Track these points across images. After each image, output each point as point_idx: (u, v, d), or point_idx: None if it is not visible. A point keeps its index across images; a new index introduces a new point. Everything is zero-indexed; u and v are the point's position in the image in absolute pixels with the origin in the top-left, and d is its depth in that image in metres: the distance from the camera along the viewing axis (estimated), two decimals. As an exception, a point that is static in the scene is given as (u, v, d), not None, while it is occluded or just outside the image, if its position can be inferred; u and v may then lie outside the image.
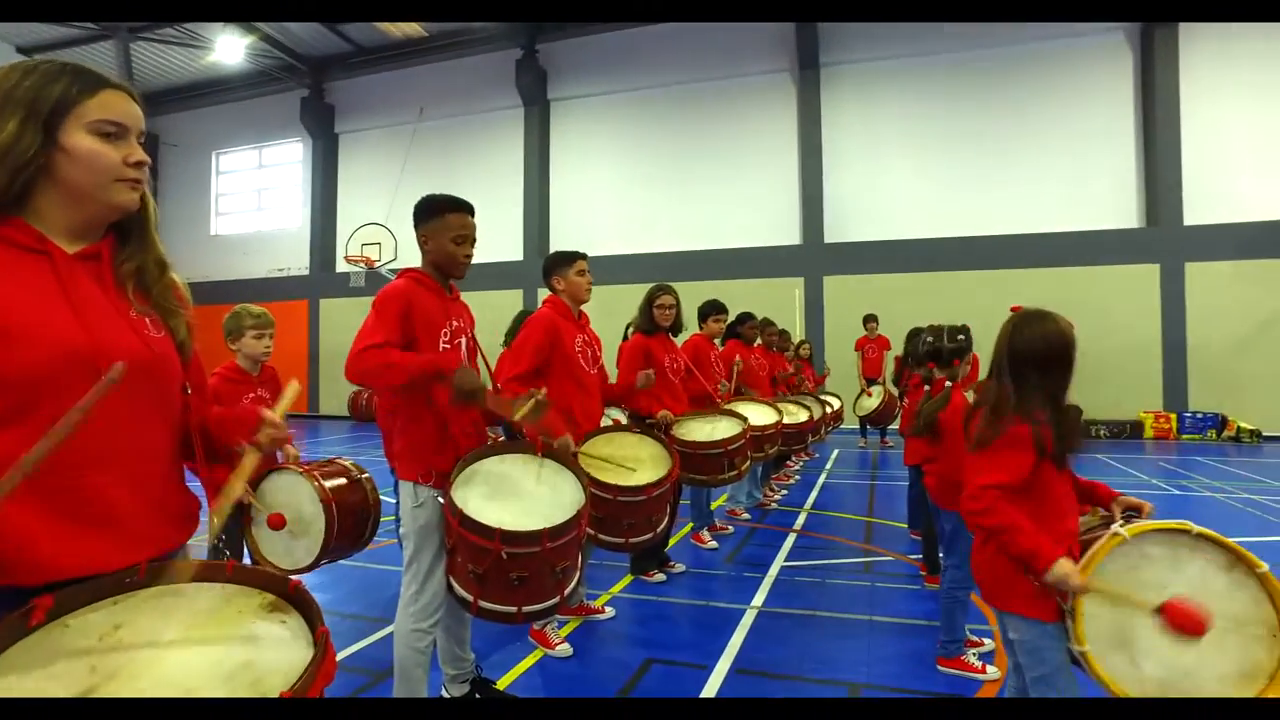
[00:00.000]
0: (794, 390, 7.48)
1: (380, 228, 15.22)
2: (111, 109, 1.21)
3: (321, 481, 3.16)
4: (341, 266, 15.97)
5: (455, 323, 2.50)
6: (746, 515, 6.15)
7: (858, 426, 10.74)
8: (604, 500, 3.12)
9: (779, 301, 12.68)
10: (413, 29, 14.87)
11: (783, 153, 13.45)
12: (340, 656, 3.26)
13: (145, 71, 16.89)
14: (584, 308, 3.58)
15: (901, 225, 12.72)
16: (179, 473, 1.33)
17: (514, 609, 2.25)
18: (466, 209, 2.53)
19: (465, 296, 2.72)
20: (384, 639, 3.45)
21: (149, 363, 1.25)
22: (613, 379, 3.86)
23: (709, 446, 4.16)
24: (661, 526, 3.40)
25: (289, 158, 17.55)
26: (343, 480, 3.30)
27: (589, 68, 14.55)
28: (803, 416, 6.38)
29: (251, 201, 18.11)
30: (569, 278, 3.46)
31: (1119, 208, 11.96)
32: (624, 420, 4.13)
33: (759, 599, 4.13)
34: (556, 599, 2.37)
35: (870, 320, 10.78)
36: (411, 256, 2.64)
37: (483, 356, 2.68)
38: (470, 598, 2.27)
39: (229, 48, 14.56)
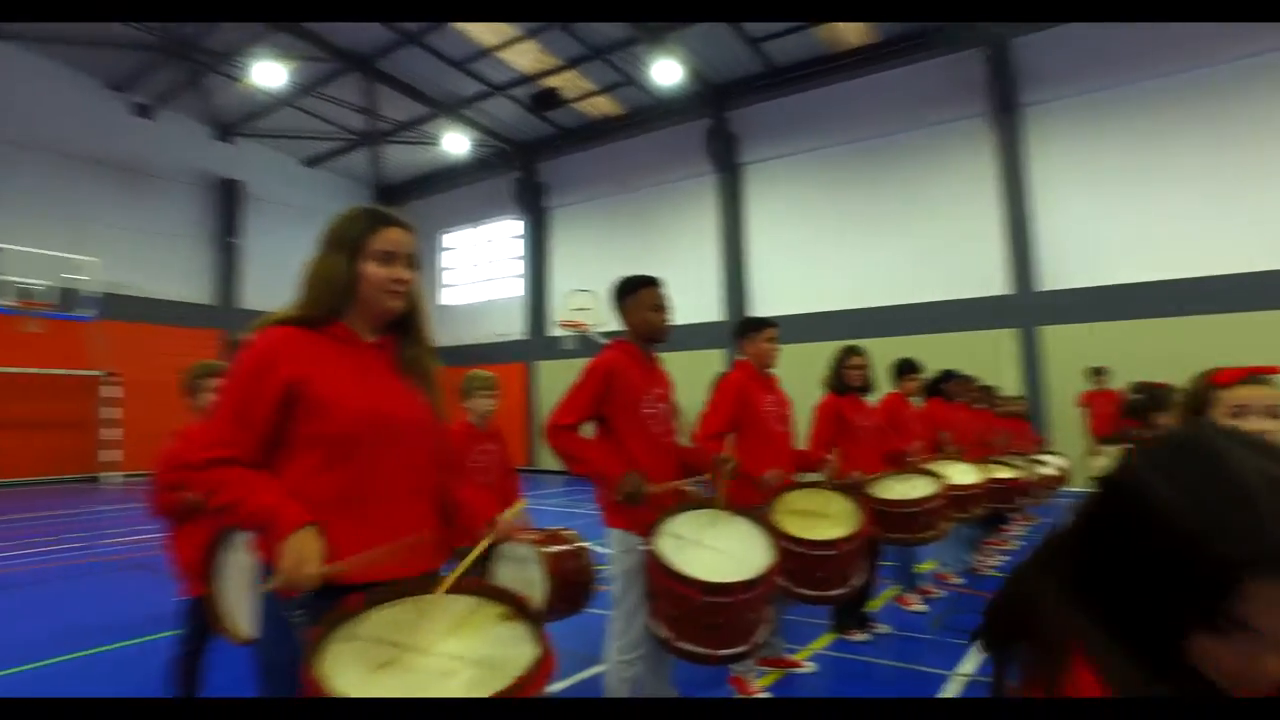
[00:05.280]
0: (1000, 450, 6.96)
1: (589, 293, 16.36)
2: (388, 241, 1.66)
3: (544, 549, 3.52)
4: (554, 331, 17.26)
5: (656, 389, 2.79)
6: (959, 580, 5.85)
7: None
8: (796, 553, 3.22)
9: (988, 355, 11.98)
10: (610, 107, 16.13)
11: (983, 199, 12.77)
12: (563, 685, 3.59)
13: (389, 168, 19.75)
14: (784, 363, 3.76)
15: (1129, 268, 11.51)
16: (438, 510, 1.71)
17: (708, 651, 2.43)
18: (657, 282, 2.85)
19: (668, 356, 3.02)
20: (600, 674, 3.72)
21: (420, 423, 1.68)
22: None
23: (905, 505, 4.11)
24: (856, 582, 3.42)
25: (505, 233, 19.48)
26: (563, 548, 3.58)
27: (778, 130, 14.88)
28: (1008, 474, 5.98)
29: (473, 274, 20.27)
30: (757, 344, 3.66)
31: None
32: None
33: (969, 666, 3.95)
34: (748, 646, 2.51)
35: (1099, 372, 9.82)
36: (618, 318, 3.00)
37: (682, 415, 2.95)
38: (668, 637, 2.48)
39: (455, 142, 16.69)
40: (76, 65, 15.02)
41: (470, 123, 16.69)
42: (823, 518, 3.53)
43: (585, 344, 16.23)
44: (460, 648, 1.44)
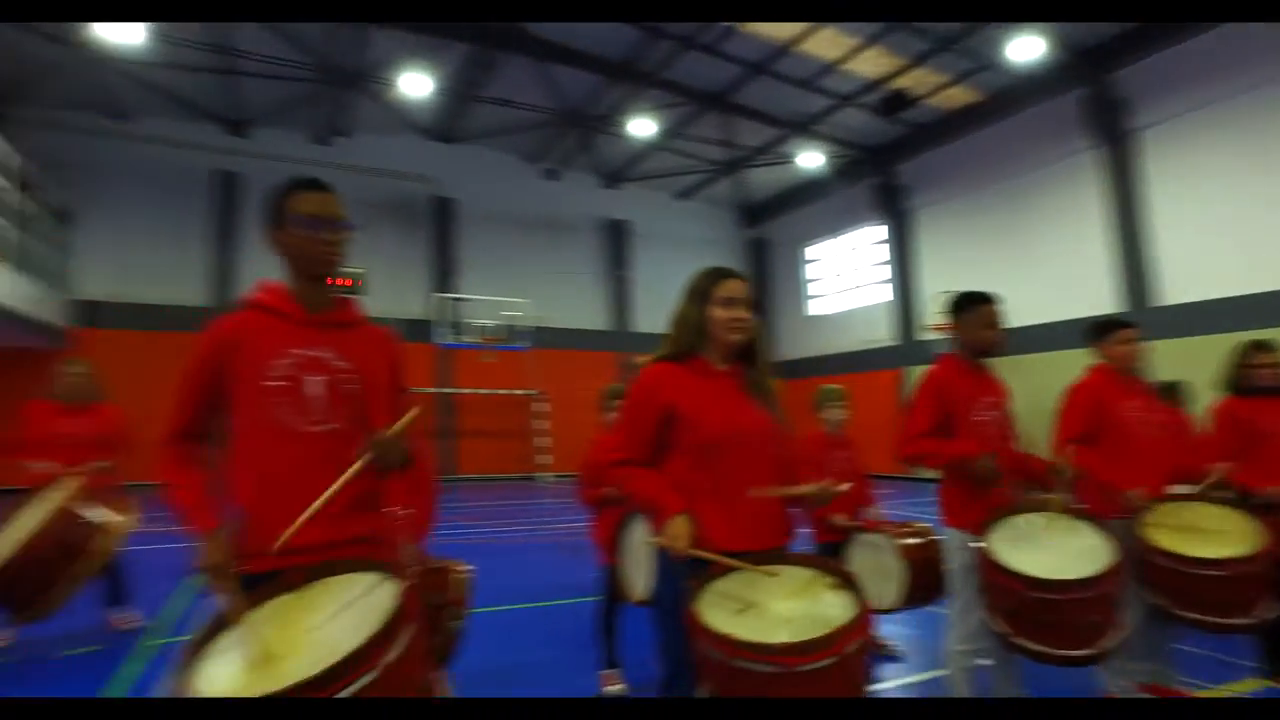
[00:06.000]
0: None
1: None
2: (728, 289, 2.19)
3: (898, 539, 3.83)
4: (926, 335, 16.67)
5: (986, 398, 2.90)
6: None
7: None
8: (1176, 571, 2.99)
9: None
10: (966, 96, 15.14)
11: None
12: (920, 678, 3.83)
13: (751, 190, 21.08)
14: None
15: None
16: (784, 501, 2.19)
17: (1046, 649, 2.49)
18: (992, 299, 2.95)
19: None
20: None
21: (765, 432, 2.19)
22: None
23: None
24: (1264, 614, 3.02)
25: (867, 240, 19.37)
26: (916, 540, 3.88)
27: (1178, 82, 12.43)
28: None
29: (837, 284, 20.52)
30: (1111, 349, 3.44)
31: None
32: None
33: None
34: (1093, 650, 2.49)
35: None
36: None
37: (1019, 425, 2.98)
38: (1003, 632, 2.59)
39: (810, 158, 17.28)
40: (503, 148, 18.91)
41: (822, 137, 17.12)
42: (1216, 534, 3.19)
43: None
44: (795, 605, 1.90)
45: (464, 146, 18.59)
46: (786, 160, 18.05)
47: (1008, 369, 3.09)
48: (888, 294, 18.44)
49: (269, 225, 1.87)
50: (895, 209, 17.99)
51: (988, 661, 2.83)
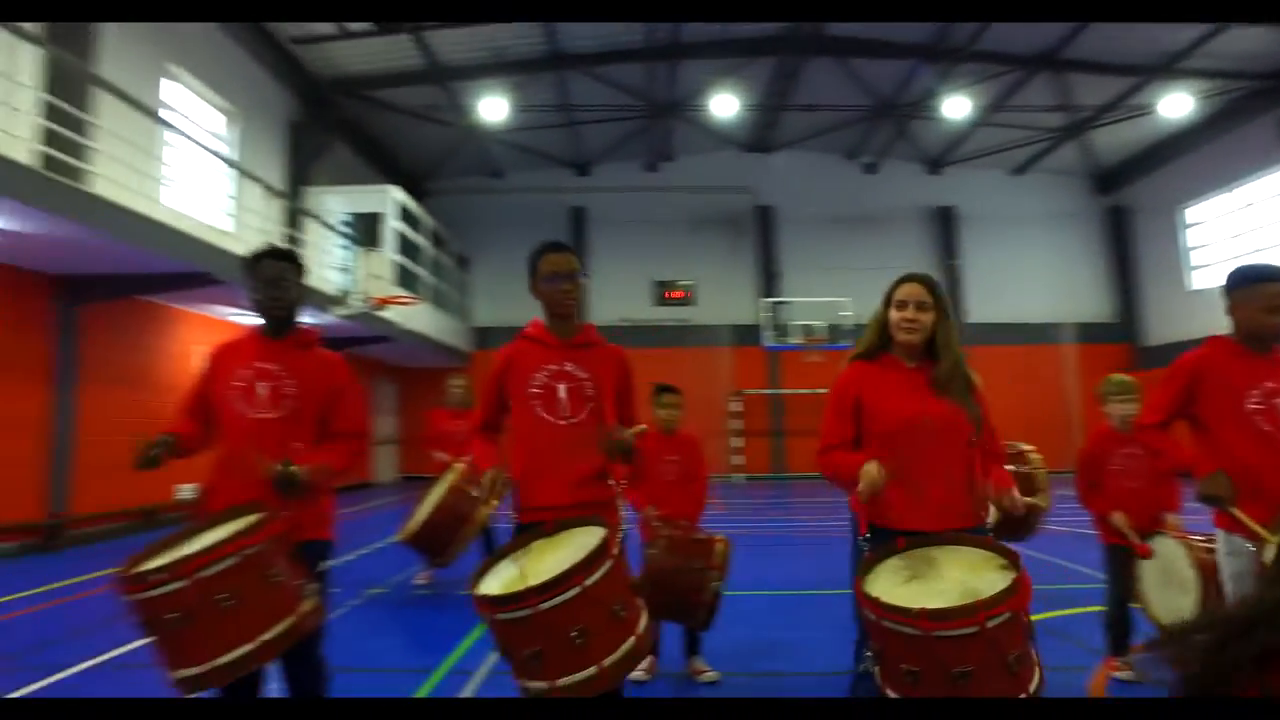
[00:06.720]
0: None
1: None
2: (901, 292, 2.43)
3: (1197, 550, 3.41)
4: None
5: (1269, 383, 2.56)
6: None
7: None
8: None
9: None
10: None
11: None
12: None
13: (1102, 152, 18.45)
14: None
15: None
16: (968, 486, 2.35)
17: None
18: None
19: None
20: None
21: (947, 423, 2.36)
22: None
23: None
24: None
25: (1273, 190, 15.67)
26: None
27: None
28: None
29: (1231, 248, 16.82)
30: None
31: None
32: None
33: None
34: None
35: None
36: None
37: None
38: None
39: (1175, 103, 14.60)
40: (818, 149, 19.09)
41: (1192, 74, 14.34)
42: None
43: None
44: (958, 578, 2.07)
45: (779, 154, 19.27)
46: (1145, 111, 15.45)
47: None
48: (1309, 253, 14.71)
49: (529, 280, 2.60)
50: (1309, 143, 14.30)
51: None
